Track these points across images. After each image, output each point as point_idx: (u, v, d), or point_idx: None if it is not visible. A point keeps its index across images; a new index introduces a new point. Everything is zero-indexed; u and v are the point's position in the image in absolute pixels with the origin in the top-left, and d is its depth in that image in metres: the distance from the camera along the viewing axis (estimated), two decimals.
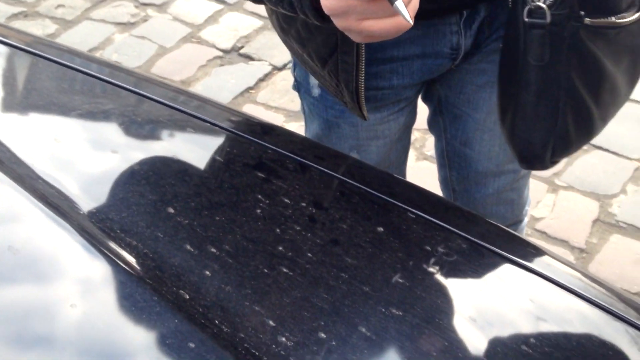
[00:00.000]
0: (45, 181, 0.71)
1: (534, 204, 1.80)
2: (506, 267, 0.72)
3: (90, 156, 0.77)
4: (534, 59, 0.78)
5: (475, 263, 0.71)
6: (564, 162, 1.92)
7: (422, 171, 1.91)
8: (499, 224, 0.78)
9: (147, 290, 0.61)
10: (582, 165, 1.91)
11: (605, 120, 0.89)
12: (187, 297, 0.61)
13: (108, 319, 0.58)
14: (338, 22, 0.63)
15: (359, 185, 0.79)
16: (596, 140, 1.99)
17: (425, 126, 1.16)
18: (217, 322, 0.59)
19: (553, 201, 1.83)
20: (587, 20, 0.76)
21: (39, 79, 0.91)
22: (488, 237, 0.75)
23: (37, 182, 0.70)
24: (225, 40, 2.41)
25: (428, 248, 0.72)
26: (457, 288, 0.69)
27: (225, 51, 2.37)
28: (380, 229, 0.73)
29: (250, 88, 2.23)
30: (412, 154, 1.96)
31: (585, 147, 1.97)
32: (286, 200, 0.75)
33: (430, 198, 0.79)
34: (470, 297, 0.68)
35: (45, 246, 0.63)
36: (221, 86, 2.22)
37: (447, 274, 0.69)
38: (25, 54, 0.92)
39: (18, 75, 0.91)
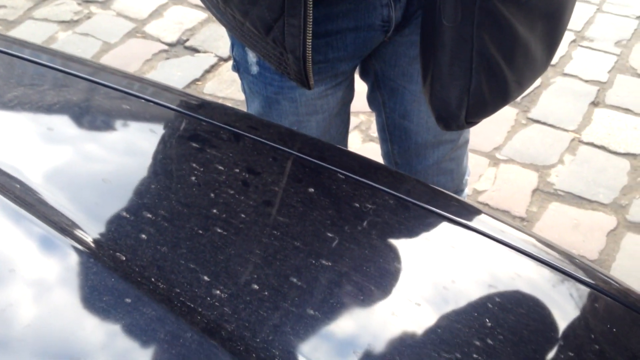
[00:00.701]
0: None
1: (475, 178, 1.86)
2: (430, 219, 0.76)
3: (25, 132, 0.79)
4: (447, 20, 0.82)
5: (401, 216, 0.75)
6: (504, 136, 1.99)
7: (369, 152, 1.96)
8: (425, 182, 0.83)
9: (83, 254, 0.63)
10: (521, 139, 1.99)
11: (521, 84, 0.94)
12: (124, 258, 0.64)
13: (44, 281, 0.60)
14: None
15: (290, 151, 0.82)
16: (534, 114, 2.07)
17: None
18: (153, 279, 0.62)
19: (494, 174, 1.89)
20: None
21: None
22: (413, 194, 0.79)
23: None
24: (170, 33, 2.42)
25: (357, 205, 0.75)
26: (385, 240, 0.73)
27: (170, 45, 2.38)
28: (311, 190, 0.77)
29: (197, 80, 2.25)
30: (358, 136, 2.01)
31: (523, 122, 2.05)
32: (220, 168, 0.78)
33: (359, 160, 0.83)
34: (397, 248, 0.72)
35: None
36: (167, 79, 2.24)
37: (375, 228, 0.73)
38: None
39: None
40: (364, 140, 2.01)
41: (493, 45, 0.84)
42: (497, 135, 1.98)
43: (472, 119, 0.92)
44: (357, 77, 1.14)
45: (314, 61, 0.99)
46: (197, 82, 2.24)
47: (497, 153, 1.94)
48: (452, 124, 0.92)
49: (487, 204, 1.80)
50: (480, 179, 1.87)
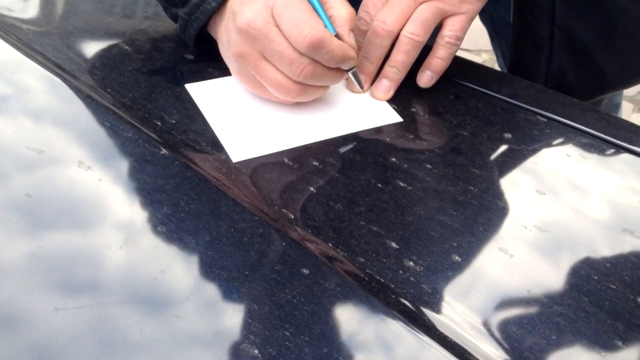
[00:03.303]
0: None
1: None
2: None
3: None
4: None
5: (620, 169, 0.60)
6: None
7: None
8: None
9: (254, 217, 0.51)
10: None
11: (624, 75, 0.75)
12: (292, 217, 0.52)
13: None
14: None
15: (475, 87, 0.67)
16: None
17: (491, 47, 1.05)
18: (330, 244, 0.50)
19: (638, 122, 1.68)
20: None
21: None
22: (636, 142, 0.63)
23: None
24: None
25: (568, 154, 0.60)
26: (600, 195, 0.58)
27: None
28: (508, 135, 0.62)
29: None
30: None
31: None
32: (393, 106, 0.64)
33: (560, 99, 0.67)
34: (611, 202, 0.57)
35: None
36: None
37: (589, 181, 0.58)
38: None
39: None
40: None
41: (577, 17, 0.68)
42: None
43: None
44: None
45: None
46: None
47: None
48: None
49: None
50: None
